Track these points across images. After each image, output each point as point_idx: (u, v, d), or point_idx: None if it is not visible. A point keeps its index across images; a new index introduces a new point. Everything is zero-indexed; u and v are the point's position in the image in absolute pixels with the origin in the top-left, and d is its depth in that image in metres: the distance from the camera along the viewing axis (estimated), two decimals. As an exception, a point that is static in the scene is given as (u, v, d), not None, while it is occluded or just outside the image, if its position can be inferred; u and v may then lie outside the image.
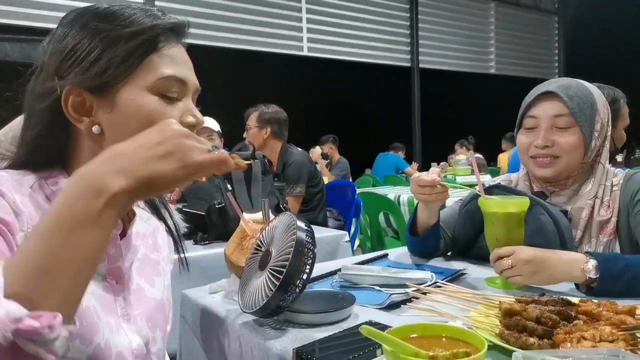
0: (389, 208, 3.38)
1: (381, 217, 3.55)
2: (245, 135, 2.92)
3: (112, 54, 0.65)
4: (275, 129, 2.85)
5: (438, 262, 1.33)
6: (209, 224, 1.72)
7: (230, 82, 6.18)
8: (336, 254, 1.83)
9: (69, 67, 0.65)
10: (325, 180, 3.92)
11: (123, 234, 0.73)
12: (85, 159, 0.66)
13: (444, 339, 0.68)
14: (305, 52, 7.23)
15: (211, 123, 2.99)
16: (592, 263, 0.97)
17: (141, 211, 0.81)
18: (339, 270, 1.14)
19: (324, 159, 5.82)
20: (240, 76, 6.42)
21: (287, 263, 0.84)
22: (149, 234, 0.83)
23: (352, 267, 1.13)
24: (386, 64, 8.40)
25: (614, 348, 0.66)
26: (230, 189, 1.79)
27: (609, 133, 1.26)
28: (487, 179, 1.38)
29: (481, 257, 1.33)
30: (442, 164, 7.22)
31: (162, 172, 0.53)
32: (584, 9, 10.92)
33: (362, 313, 0.94)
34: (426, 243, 1.33)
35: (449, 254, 1.42)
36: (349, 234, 2.90)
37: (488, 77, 10.03)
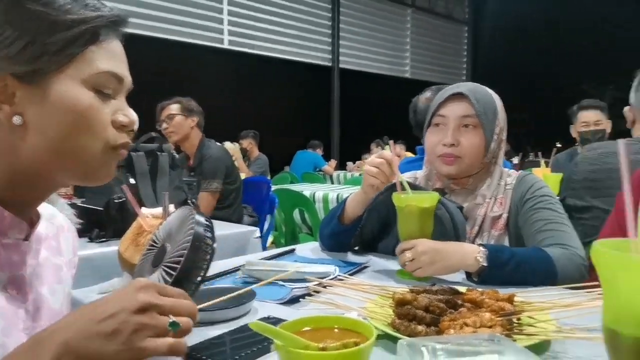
0: (304, 205, 3.40)
1: (296, 214, 3.57)
2: (164, 127, 2.73)
3: (49, 40, 0.59)
4: (201, 120, 2.77)
5: (344, 256, 1.36)
6: (107, 219, 1.61)
7: (147, 72, 5.87)
8: (245, 251, 1.80)
9: None
10: (242, 176, 3.86)
11: (27, 237, 0.66)
12: None
13: (336, 330, 0.69)
14: (226, 45, 7.07)
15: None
16: (483, 252, 1.06)
17: (44, 208, 0.73)
18: (243, 266, 1.12)
19: (243, 155, 5.73)
20: (158, 66, 6.12)
21: (183, 259, 0.80)
22: (52, 236, 0.75)
23: (256, 263, 1.11)
24: (307, 62, 8.46)
25: (491, 333, 0.70)
26: (133, 182, 1.69)
27: (505, 137, 1.36)
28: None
29: (387, 251, 1.38)
30: (357, 162, 7.44)
31: (103, 352, 0.50)
32: (492, 20, 11.83)
33: (262, 309, 0.93)
34: (349, 233, 1.35)
35: (356, 248, 1.46)
36: (263, 231, 2.88)
37: (403, 80, 10.48)
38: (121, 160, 0.69)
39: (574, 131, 3.08)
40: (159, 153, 1.86)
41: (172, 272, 0.80)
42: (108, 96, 0.64)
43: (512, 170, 1.39)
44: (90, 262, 1.44)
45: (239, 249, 1.80)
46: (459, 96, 1.30)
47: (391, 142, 1.27)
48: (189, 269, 0.81)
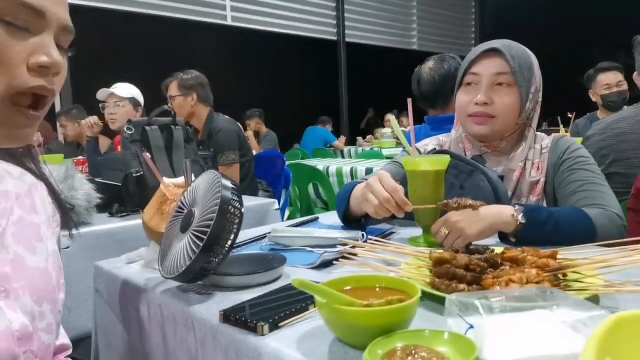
0: (318, 179, 3.38)
1: (310, 188, 3.55)
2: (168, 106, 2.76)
3: None
4: (201, 93, 2.72)
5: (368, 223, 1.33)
6: (125, 194, 1.59)
7: (152, 51, 5.81)
8: (265, 222, 1.78)
9: None
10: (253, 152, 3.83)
11: None
12: None
13: (377, 289, 0.67)
14: (229, 22, 6.95)
15: (124, 90, 2.78)
16: (520, 209, 1.00)
17: (12, 167, 0.68)
18: (269, 233, 1.09)
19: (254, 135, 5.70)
20: (163, 45, 6.06)
21: (212, 222, 0.78)
22: (24, 193, 0.68)
23: (283, 230, 1.09)
24: (313, 36, 8.31)
25: (541, 287, 0.67)
26: (149, 156, 1.66)
27: (540, 99, 1.29)
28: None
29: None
30: (367, 137, 7.37)
31: None
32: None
33: (293, 274, 0.90)
34: (359, 225, 1.24)
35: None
36: (279, 205, 2.86)
37: (411, 52, 10.28)
38: (40, 115, 0.59)
39: (593, 95, 2.99)
40: (173, 127, 1.82)
41: (202, 235, 0.78)
42: (22, 30, 0.54)
43: (545, 134, 1.33)
44: (113, 236, 1.43)
45: (259, 220, 1.78)
46: (492, 52, 1.22)
47: (392, 117, 1.20)
48: (218, 232, 0.79)
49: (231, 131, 2.69)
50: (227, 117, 2.86)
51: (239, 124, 2.91)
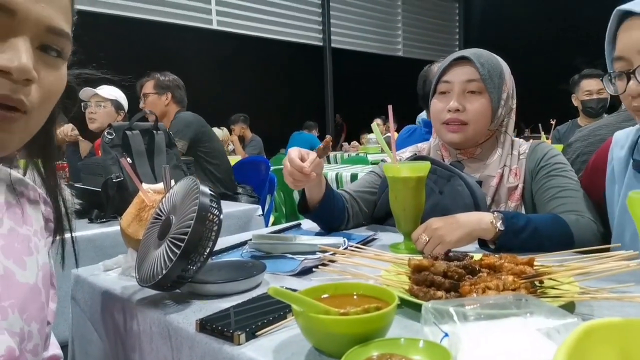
0: (303, 184, 3.37)
1: (296, 194, 3.54)
2: (142, 105, 2.75)
3: None
4: (177, 94, 2.73)
5: (350, 230, 1.32)
6: (105, 199, 1.56)
7: (137, 55, 5.76)
8: (248, 229, 1.77)
9: None
10: (238, 158, 3.82)
11: None
12: None
13: (355, 297, 0.66)
14: (214, 26, 6.93)
15: (108, 91, 2.75)
16: (499, 216, 1.02)
17: (5, 173, 0.64)
18: (250, 240, 1.09)
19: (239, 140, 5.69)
20: (148, 49, 6.01)
21: (190, 230, 0.77)
22: (15, 203, 0.63)
23: (264, 236, 1.08)
24: (299, 42, 8.34)
25: (517, 294, 0.68)
26: (130, 161, 1.64)
27: (514, 105, 1.31)
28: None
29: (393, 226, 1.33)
30: (352, 142, 7.40)
31: None
32: (483, -2, 11.67)
33: (273, 281, 0.90)
34: (321, 219, 1.28)
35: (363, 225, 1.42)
36: (263, 211, 2.85)
37: (396, 58, 10.37)
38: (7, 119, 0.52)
39: (575, 100, 3.05)
40: (154, 132, 1.80)
41: (179, 243, 0.77)
42: None
43: (522, 141, 1.35)
44: (92, 242, 1.41)
45: (242, 226, 1.77)
46: (463, 60, 1.25)
47: (375, 123, 1.26)
48: (196, 240, 0.78)
49: (186, 120, 2.64)
50: (192, 113, 2.82)
51: (203, 119, 2.83)
